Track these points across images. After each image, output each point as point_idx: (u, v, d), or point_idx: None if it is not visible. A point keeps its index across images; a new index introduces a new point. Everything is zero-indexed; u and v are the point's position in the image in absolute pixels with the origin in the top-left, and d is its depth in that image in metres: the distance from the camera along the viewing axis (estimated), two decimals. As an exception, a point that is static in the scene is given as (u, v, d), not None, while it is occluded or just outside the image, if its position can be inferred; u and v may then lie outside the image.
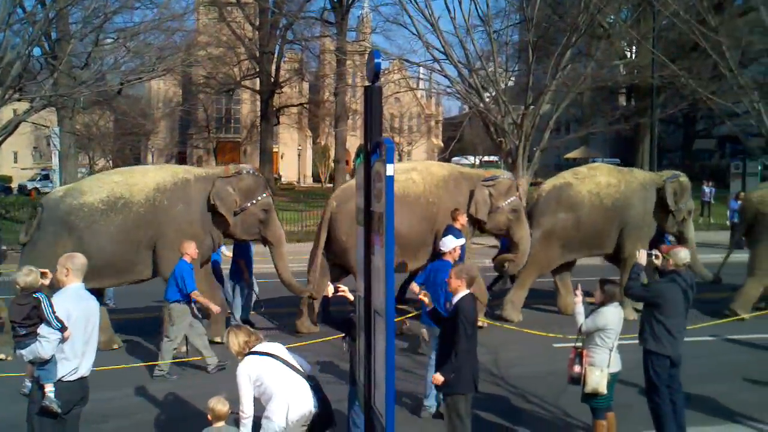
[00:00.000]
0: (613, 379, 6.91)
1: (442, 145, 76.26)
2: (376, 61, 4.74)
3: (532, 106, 20.95)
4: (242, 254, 12.97)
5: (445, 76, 22.22)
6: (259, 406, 5.66)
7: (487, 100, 22.13)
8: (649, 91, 24.50)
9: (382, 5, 74.67)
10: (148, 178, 11.05)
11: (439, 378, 6.34)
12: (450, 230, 10.83)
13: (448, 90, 23.84)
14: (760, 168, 21.48)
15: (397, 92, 37.14)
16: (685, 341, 7.25)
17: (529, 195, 13.30)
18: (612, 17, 23.16)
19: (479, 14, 21.82)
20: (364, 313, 5.26)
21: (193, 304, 10.01)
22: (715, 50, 6.80)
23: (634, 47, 27.57)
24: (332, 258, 12.25)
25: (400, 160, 71.87)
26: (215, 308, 10.03)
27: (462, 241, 9.30)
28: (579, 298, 7.30)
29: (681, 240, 13.77)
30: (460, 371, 6.27)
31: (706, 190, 30.68)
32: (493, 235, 13.47)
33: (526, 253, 12.71)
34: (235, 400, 5.65)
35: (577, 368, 6.92)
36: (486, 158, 52.94)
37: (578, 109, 43.35)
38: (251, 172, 11.45)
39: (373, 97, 4.88)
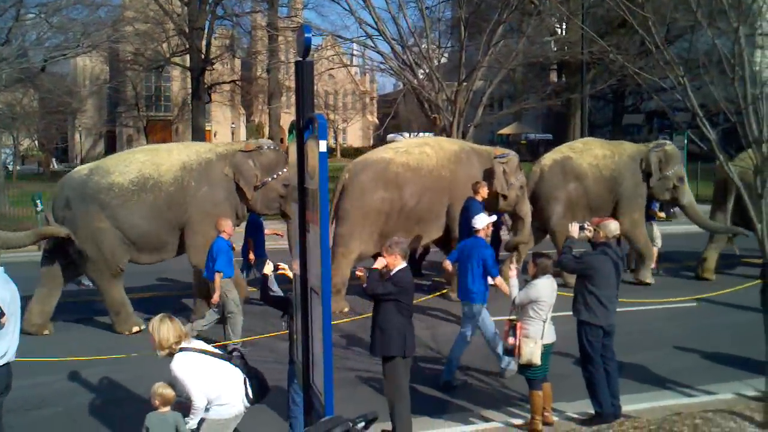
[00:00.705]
0: (548, 351, 7.03)
1: (377, 122, 76.28)
2: (306, 35, 4.67)
3: (465, 83, 21.09)
4: (251, 233, 12.82)
5: (379, 53, 22.19)
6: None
7: (421, 76, 22.19)
8: (579, 67, 24.89)
9: (314, -19, 73.97)
10: (174, 157, 11.04)
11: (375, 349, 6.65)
12: (473, 203, 11.43)
13: (382, 66, 23.79)
14: (686, 142, 22.14)
15: (331, 69, 36.83)
16: (617, 311, 7.42)
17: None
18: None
19: (411, -11, 21.80)
20: (301, 291, 5.22)
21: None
22: (641, 26, 6.90)
23: (564, 24, 27.89)
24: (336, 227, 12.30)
25: (335, 137, 71.64)
26: (214, 300, 9.81)
27: (494, 218, 9.44)
28: (513, 272, 7.42)
29: (678, 206, 14.66)
30: (392, 336, 6.55)
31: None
32: (502, 213, 13.52)
33: (529, 228, 13.30)
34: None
35: (511, 340, 7.02)
36: (421, 134, 53.15)
37: (511, 85, 43.85)
38: (272, 147, 11.52)
39: (304, 73, 4.81)
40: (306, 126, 4.78)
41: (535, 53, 24.87)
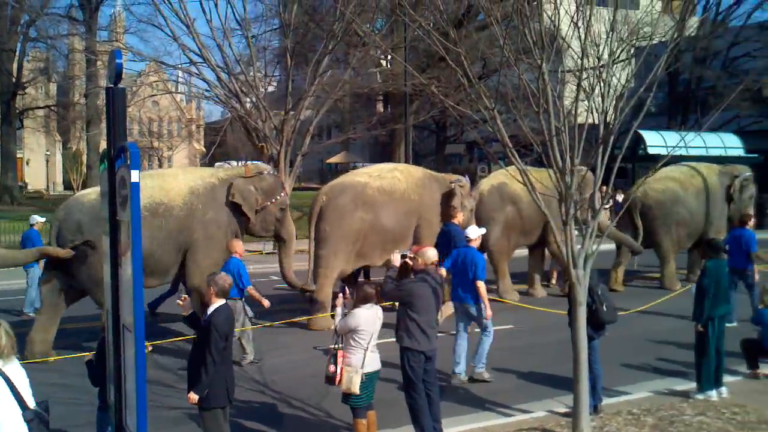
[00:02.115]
0: (371, 379, 7.04)
1: (204, 150, 74.62)
2: (117, 61, 4.50)
3: (292, 112, 21.11)
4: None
5: (204, 80, 21.76)
6: None
7: (248, 105, 21.99)
8: (403, 98, 25.68)
9: (135, 5, 71.74)
10: (181, 182, 11.31)
11: (193, 397, 6.20)
12: (453, 226, 12.40)
13: (207, 94, 23.40)
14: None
15: (154, 95, 35.74)
16: (439, 334, 7.61)
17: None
18: (367, 26, 23.97)
19: (236, 18, 21.67)
20: (113, 329, 4.97)
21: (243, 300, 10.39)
22: (455, 62, 7.21)
23: (389, 56, 28.73)
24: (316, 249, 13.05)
25: (160, 165, 69.30)
26: (266, 303, 10.44)
27: (483, 230, 10.89)
28: (340, 300, 7.45)
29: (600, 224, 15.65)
30: (213, 386, 6.19)
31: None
32: None
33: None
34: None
35: (331, 368, 7.01)
36: (249, 163, 52.60)
37: (338, 114, 44.38)
38: (271, 172, 12.19)
39: (115, 100, 4.63)
40: (118, 155, 4.59)
41: (361, 84, 25.41)
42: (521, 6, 6.64)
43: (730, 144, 30.11)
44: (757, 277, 12.73)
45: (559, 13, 6.81)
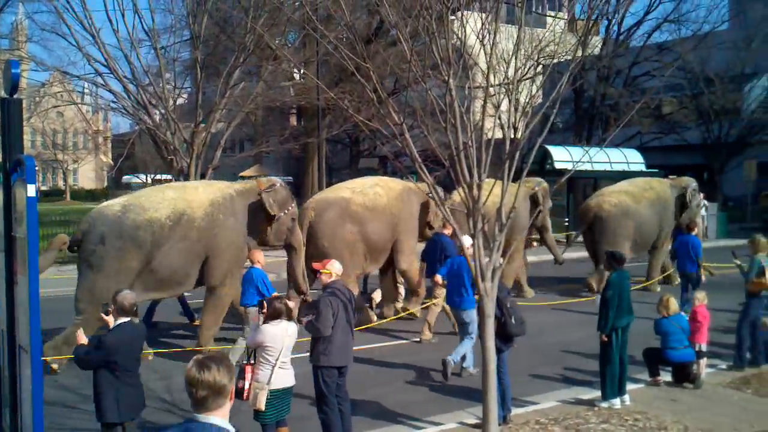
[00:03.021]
0: (281, 395, 6.96)
1: (111, 162, 72.62)
2: (13, 71, 4.33)
3: (202, 124, 20.79)
4: None
5: (110, 91, 21.17)
6: None
7: (157, 117, 21.51)
8: (316, 112, 25.64)
9: (38, 13, 69.09)
10: (201, 194, 11.74)
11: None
12: (444, 237, 13.02)
13: (114, 105, 22.75)
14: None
15: (57, 106, 34.54)
16: (356, 348, 7.60)
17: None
18: (279, 39, 23.85)
19: (144, 29, 21.19)
20: (8, 350, 4.76)
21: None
22: (366, 77, 7.26)
23: (301, 70, 28.66)
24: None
25: (64, 179, 67.06)
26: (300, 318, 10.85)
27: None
28: (255, 315, 7.37)
29: (543, 231, 17.55)
30: (103, 400, 6.12)
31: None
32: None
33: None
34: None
35: (240, 383, 6.91)
36: (158, 176, 51.42)
37: (251, 128, 43.93)
38: (282, 184, 12.57)
39: (11, 111, 4.44)
40: (13, 168, 4.41)
41: (274, 97, 25.22)
42: (428, 23, 6.73)
43: (633, 159, 31.25)
44: (703, 278, 13.91)
45: (465, 30, 6.94)
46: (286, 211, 12.31)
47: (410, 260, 14.32)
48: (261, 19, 19.32)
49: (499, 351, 8.02)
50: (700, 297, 10.29)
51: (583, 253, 18.93)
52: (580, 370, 10.79)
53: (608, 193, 18.23)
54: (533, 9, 37.26)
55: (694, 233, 14.45)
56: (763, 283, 10.45)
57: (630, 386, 9.37)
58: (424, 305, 13.96)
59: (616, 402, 8.96)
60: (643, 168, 31.16)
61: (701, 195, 19.50)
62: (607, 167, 28.89)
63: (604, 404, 8.96)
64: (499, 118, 7.48)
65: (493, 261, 7.32)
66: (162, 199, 11.38)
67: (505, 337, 8.24)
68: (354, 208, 13.74)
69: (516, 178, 7.65)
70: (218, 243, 11.54)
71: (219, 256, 11.57)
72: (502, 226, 7.33)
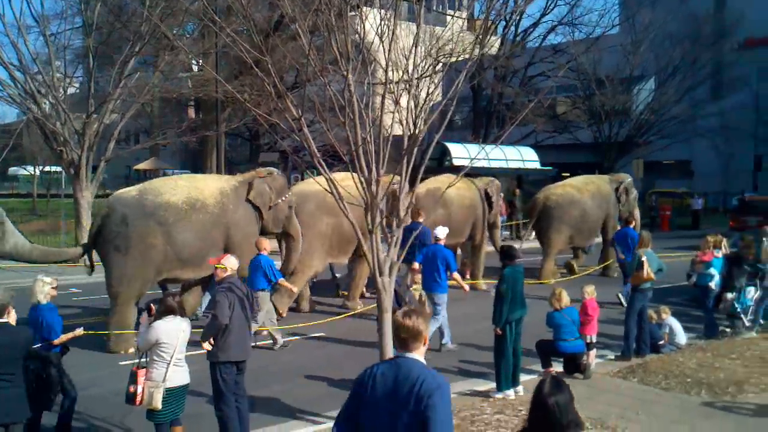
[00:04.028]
0: (176, 394, 6.79)
1: (-4, 153, 69.07)
2: None
3: (95, 115, 20.09)
4: None
5: (-5, 79, 20.16)
6: None
7: (46, 106, 20.64)
8: (215, 105, 25.16)
9: None
10: (211, 183, 12.56)
11: None
12: (415, 225, 12.93)
13: (-1, 94, 21.68)
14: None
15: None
16: (254, 345, 7.50)
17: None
18: (177, 29, 23.29)
19: (33, 14, 20.28)
20: None
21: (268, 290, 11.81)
22: (264, 72, 7.18)
23: (200, 61, 28.04)
24: None
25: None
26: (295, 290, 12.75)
27: (447, 230, 12.53)
28: (144, 318, 7.15)
29: (494, 227, 18.58)
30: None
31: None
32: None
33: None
34: None
35: (131, 387, 6.72)
36: (47, 168, 49.32)
37: (147, 119, 42.74)
38: (279, 173, 13.24)
39: None
40: None
41: (171, 89, 24.63)
42: (328, 18, 6.71)
43: (528, 157, 32.12)
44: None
45: (364, 26, 6.96)
46: (283, 198, 13.05)
47: None
48: (158, 8, 18.80)
49: (396, 345, 8.10)
50: (589, 291, 10.66)
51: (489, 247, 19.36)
52: (475, 363, 11.01)
53: (554, 186, 20.24)
54: (433, 8, 37.69)
55: (632, 226, 15.66)
56: (642, 276, 10.93)
57: (523, 377, 9.64)
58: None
59: (510, 393, 9.20)
60: (537, 165, 32.08)
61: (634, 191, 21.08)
62: (504, 164, 29.60)
63: (499, 395, 9.18)
64: (399, 114, 7.53)
65: (391, 256, 7.37)
66: (175, 186, 12.18)
67: (403, 330, 8.30)
68: (329, 200, 13.79)
69: (415, 174, 7.72)
70: (232, 233, 12.31)
71: (234, 245, 12.10)
72: (400, 221, 7.40)
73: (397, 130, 8.40)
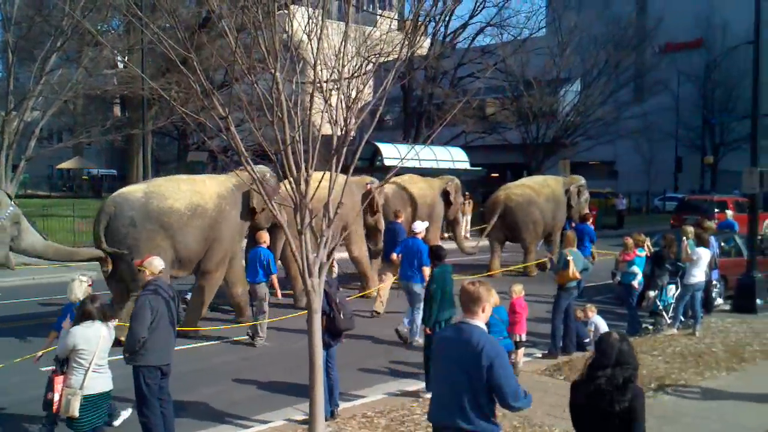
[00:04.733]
0: (96, 401, 6.49)
1: None
2: None
3: (14, 112, 19.41)
4: None
5: None
6: None
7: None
8: (141, 103, 24.61)
9: None
10: (209, 187, 12.83)
11: None
12: (397, 225, 14.85)
13: None
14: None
15: None
16: (182, 348, 7.33)
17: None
18: (101, 25, 22.70)
19: (-54, 6, 19.48)
20: None
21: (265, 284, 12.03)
22: (191, 69, 7.03)
23: (126, 57, 27.40)
24: None
25: None
26: (280, 294, 12.58)
27: (426, 224, 13.57)
28: (67, 324, 6.92)
29: (455, 223, 19.92)
30: None
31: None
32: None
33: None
34: None
35: (49, 394, 6.49)
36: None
37: (70, 117, 41.58)
38: (272, 173, 12.95)
39: None
40: None
41: (95, 85, 24.01)
42: (255, 16, 6.61)
43: (458, 157, 32.47)
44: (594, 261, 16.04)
45: (292, 24, 6.88)
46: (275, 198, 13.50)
47: (361, 247, 16.07)
48: (80, 3, 18.27)
49: (327, 346, 8.06)
50: (518, 290, 10.77)
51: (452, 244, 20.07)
52: (406, 363, 11.01)
53: (513, 186, 20.92)
54: (363, 7, 37.74)
55: (588, 222, 17.42)
56: (567, 275, 11.14)
57: (453, 376, 9.68)
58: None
59: (440, 392, 9.23)
60: (467, 166, 32.45)
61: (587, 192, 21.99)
62: (434, 164, 29.84)
63: (428, 395, 9.20)
64: (329, 113, 7.47)
65: (320, 257, 7.31)
66: (178, 190, 12.40)
67: (334, 332, 8.26)
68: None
69: (344, 173, 7.69)
70: (222, 233, 12.70)
71: (221, 244, 12.65)
72: (330, 221, 7.35)
73: (328, 130, 8.34)
